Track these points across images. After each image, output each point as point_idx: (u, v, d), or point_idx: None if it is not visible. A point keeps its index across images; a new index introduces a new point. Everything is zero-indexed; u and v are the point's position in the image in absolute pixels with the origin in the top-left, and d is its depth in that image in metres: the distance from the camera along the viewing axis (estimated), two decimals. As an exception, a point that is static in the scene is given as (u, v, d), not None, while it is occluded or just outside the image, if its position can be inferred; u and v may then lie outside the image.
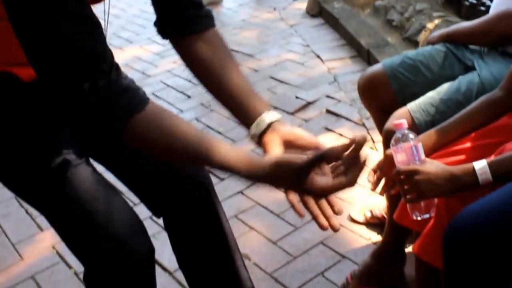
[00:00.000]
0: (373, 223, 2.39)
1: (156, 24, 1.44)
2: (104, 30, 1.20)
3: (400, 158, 1.51)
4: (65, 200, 1.35)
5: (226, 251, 1.69)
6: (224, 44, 1.44)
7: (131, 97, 1.14)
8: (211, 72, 1.40)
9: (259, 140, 1.34)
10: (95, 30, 1.11)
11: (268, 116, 1.34)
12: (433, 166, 1.48)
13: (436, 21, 3.75)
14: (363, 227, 2.40)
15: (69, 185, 1.35)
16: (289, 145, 1.31)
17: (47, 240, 2.56)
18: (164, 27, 1.43)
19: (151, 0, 1.41)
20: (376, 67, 2.14)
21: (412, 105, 1.85)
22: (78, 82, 1.08)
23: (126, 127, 1.13)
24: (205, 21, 1.42)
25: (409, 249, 2.11)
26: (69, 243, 1.44)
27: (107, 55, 1.13)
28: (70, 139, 1.39)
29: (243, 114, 1.37)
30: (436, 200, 1.51)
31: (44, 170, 1.34)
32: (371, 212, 2.40)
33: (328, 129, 3.16)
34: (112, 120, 1.12)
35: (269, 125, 1.33)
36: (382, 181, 1.63)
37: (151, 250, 1.47)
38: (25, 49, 1.08)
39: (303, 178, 1.16)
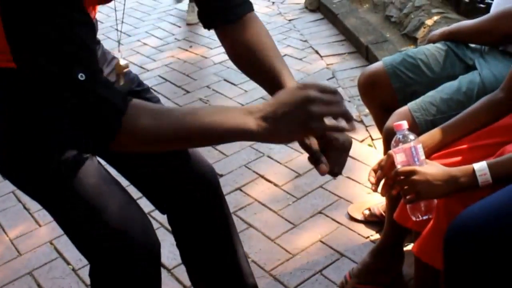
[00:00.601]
0: (372, 221, 2.39)
1: (199, 15, 1.44)
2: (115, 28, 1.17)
3: (400, 159, 1.51)
4: (71, 195, 1.35)
5: (230, 248, 1.70)
6: (261, 27, 1.41)
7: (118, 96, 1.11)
8: (250, 55, 1.37)
9: None
10: (90, 32, 1.11)
11: None
12: (432, 167, 1.49)
13: (435, 18, 3.74)
14: (362, 225, 2.40)
15: (75, 180, 1.35)
16: None
17: (45, 236, 2.55)
18: (205, 18, 1.42)
19: None
20: (376, 65, 2.14)
21: (412, 104, 1.84)
22: (68, 79, 1.05)
23: (124, 116, 1.07)
24: (239, 9, 1.39)
25: (407, 248, 2.12)
26: (74, 239, 1.44)
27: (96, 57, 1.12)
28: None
29: (273, 89, 1.29)
30: (435, 201, 1.51)
31: (51, 165, 1.34)
32: (369, 210, 2.40)
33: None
34: (115, 101, 1.08)
35: None
36: (383, 181, 1.63)
37: (158, 245, 1.48)
38: (13, 44, 1.06)
39: (315, 103, 1.06)
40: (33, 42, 1.04)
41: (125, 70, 1.55)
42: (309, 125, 1.07)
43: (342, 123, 1.10)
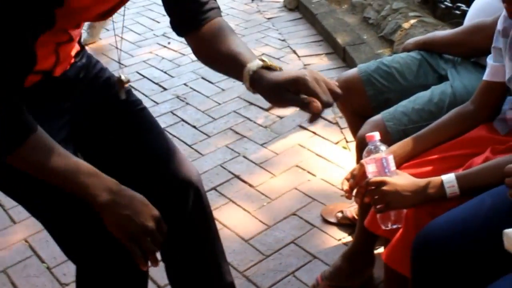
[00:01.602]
0: (345, 224, 2.43)
1: (171, 23, 1.50)
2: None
3: (371, 169, 1.56)
4: (60, 198, 1.37)
5: (212, 247, 1.74)
6: (228, 28, 1.48)
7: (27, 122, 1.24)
8: (214, 47, 1.44)
9: (254, 91, 1.33)
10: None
11: (252, 65, 1.32)
12: (401, 178, 1.53)
13: (412, 21, 3.79)
14: (335, 228, 2.44)
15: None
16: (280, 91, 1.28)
17: (19, 233, 2.55)
18: (177, 25, 1.48)
19: (162, 2, 1.47)
20: (351, 72, 2.18)
21: (385, 114, 1.89)
22: None
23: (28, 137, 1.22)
24: (210, 13, 1.46)
25: (378, 251, 2.16)
26: (60, 241, 1.46)
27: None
28: (57, 129, 1.42)
29: (236, 71, 1.36)
30: (405, 211, 1.55)
31: None
32: (342, 212, 2.44)
33: (302, 127, 3.20)
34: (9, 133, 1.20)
35: (255, 73, 1.30)
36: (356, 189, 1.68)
37: None
38: None
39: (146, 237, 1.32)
40: None
41: (126, 85, 1.63)
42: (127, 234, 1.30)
43: None
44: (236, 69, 1.35)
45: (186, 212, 1.65)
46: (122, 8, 1.48)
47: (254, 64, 1.31)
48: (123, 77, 1.61)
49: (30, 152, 1.23)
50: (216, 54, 1.44)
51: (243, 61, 1.34)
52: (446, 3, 3.70)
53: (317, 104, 1.21)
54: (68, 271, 2.28)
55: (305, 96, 1.23)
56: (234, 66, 1.37)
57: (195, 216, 1.67)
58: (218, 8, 1.49)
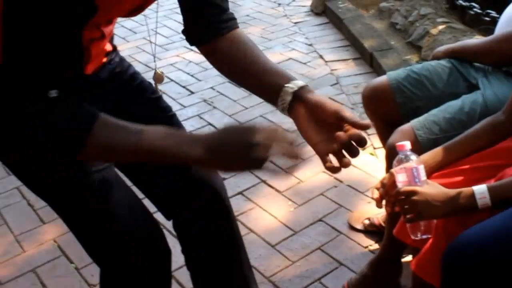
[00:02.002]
0: (371, 231, 2.43)
1: (184, 32, 1.48)
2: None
3: (401, 179, 1.55)
4: (89, 202, 1.39)
5: (236, 255, 1.74)
6: (249, 40, 1.47)
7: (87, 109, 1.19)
8: (239, 64, 1.42)
9: (289, 113, 1.33)
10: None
11: (291, 86, 1.31)
12: (432, 188, 1.53)
13: (440, 27, 3.77)
14: (362, 235, 2.44)
15: (94, 187, 1.39)
16: (318, 115, 1.28)
17: (49, 233, 2.59)
18: (192, 35, 1.47)
19: (180, 9, 1.45)
20: (381, 79, 2.18)
21: (415, 123, 1.88)
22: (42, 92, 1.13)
23: (91, 129, 1.15)
24: (229, 23, 1.45)
25: (405, 259, 2.16)
26: (86, 244, 1.47)
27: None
28: None
29: (269, 90, 1.35)
30: (435, 221, 1.55)
31: (72, 173, 1.36)
32: (369, 220, 2.44)
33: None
34: (76, 123, 1.15)
35: (295, 96, 1.30)
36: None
37: (168, 252, 1.53)
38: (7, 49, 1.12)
39: (256, 149, 1.15)
40: (27, 46, 1.10)
41: (162, 81, 1.67)
42: (248, 168, 1.20)
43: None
44: (271, 85, 1.34)
45: (208, 218, 1.65)
46: (155, 5, 1.48)
47: (297, 83, 1.31)
48: (159, 71, 1.64)
49: (106, 136, 1.18)
50: (244, 69, 1.41)
51: (283, 78, 1.34)
52: (475, 9, 3.67)
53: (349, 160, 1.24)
54: (96, 272, 2.26)
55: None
56: (270, 82, 1.36)
57: (218, 222, 1.68)
58: (236, 19, 1.48)
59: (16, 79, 1.13)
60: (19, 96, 1.13)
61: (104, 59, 1.51)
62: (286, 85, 1.31)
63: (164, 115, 1.65)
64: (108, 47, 1.53)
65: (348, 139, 1.22)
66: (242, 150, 1.16)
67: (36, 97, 1.13)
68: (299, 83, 1.32)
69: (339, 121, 1.25)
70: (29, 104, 1.13)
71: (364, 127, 1.23)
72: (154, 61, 1.77)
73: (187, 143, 1.18)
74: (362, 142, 1.22)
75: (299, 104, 1.30)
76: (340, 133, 1.23)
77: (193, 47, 1.49)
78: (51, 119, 1.14)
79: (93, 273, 2.33)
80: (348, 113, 1.24)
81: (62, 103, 1.15)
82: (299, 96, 1.30)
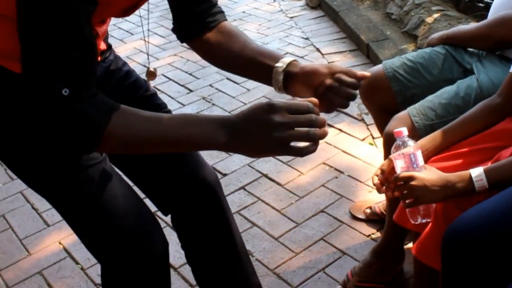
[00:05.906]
0: (373, 220, 2.45)
1: (174, 30, 1.51)
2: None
3: (400, 165, 1.57)
4: (84, 197, 1.40)
5: (233, 248, 1.75)
6: (236, 29, 1.50)
7: (105, 100, 1.18)
8: (230, 53, 1.45)
9: (286, 91, 1.36)
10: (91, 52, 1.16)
11: (280, 65, 1.34)
12: (430, 172, 1.54)
13: (435, 15, 3.78)
14: (363, 224, 2.46)
15: (89, 182, 1.39)
16: (313, 82, 1.31)
17: (54, 236, 2.61)
18: (182, 31, 1.49)
19: (169, 5, 1.49)
20: (376, 68, 2.19)
21: (412, 109, 1.90)
22: (58, 86, 1.10)
23: (109, 120, 1.14)
24: (217, 16, 1.48)
25: (408, 246, 2.17)
26: (84, 240, 1.48)
27: (92, 77, 1.17)
28: None
29: (262, 73, 1.39)
30: (434, 205, 1.56)
31: (67, 167, 1.37)
32: (370, 208, 2.46)
33: (328, 124, 3.18)
34: (94, 116, 1.13)
35: (286, 74, 1.34)
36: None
37: (166, 245, 1.54)
38: (24, 45, 1.11)
39: (278, 129, 1.10)
40: (39, 46, 1.09)
41: (155, 78, 1.69)
42: (273, 149, 1.14)
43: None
44: (263, 68, 1.38)
45: (203, 212, 1.66)
46: (151, 5, 1.50)
47: (285, 61, 1.35)
48: (152, 69, 1.65)
49: (124, 124, 1.16)
50: (236, 56, 1.45)
51: (271, 58, 1.37)
52: (469, -4, 3.68)
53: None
54: (102, 271, 2.33)
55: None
56: (261, 65, 1.39)
57: (213, 216, 1.69)
58: (223, 12, 1.52)
59: (34, 85, 1.12)
60: (38, 97, 1.12)
61: (99, 58, 1.53)
62: (276, 65, 1.35)
63: (158, 112, 1.66)
64: (103, 45, 1.55)
65: (336, 80, 1.28)
66: (265, 130, 1.11)
67: (53, 96, 1.11)
68: (286, 60, 1.35)
69: (336, 79, 1.28)
70: (47, 102, 1.12)
71: (360, 77, 1.28)
72: (148, 59, 1.79)
73: (211, 130, 1.15)
74: (354, 85, 1.28)
75: (292, 80, 1.34)
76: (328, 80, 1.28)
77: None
78: (73, 112, 1.12)
79: (99, 272, 2.30)
80: (341, 67, 1.28)
81: (79, 97, 1.13)
82: (290, 72, 1.34)
